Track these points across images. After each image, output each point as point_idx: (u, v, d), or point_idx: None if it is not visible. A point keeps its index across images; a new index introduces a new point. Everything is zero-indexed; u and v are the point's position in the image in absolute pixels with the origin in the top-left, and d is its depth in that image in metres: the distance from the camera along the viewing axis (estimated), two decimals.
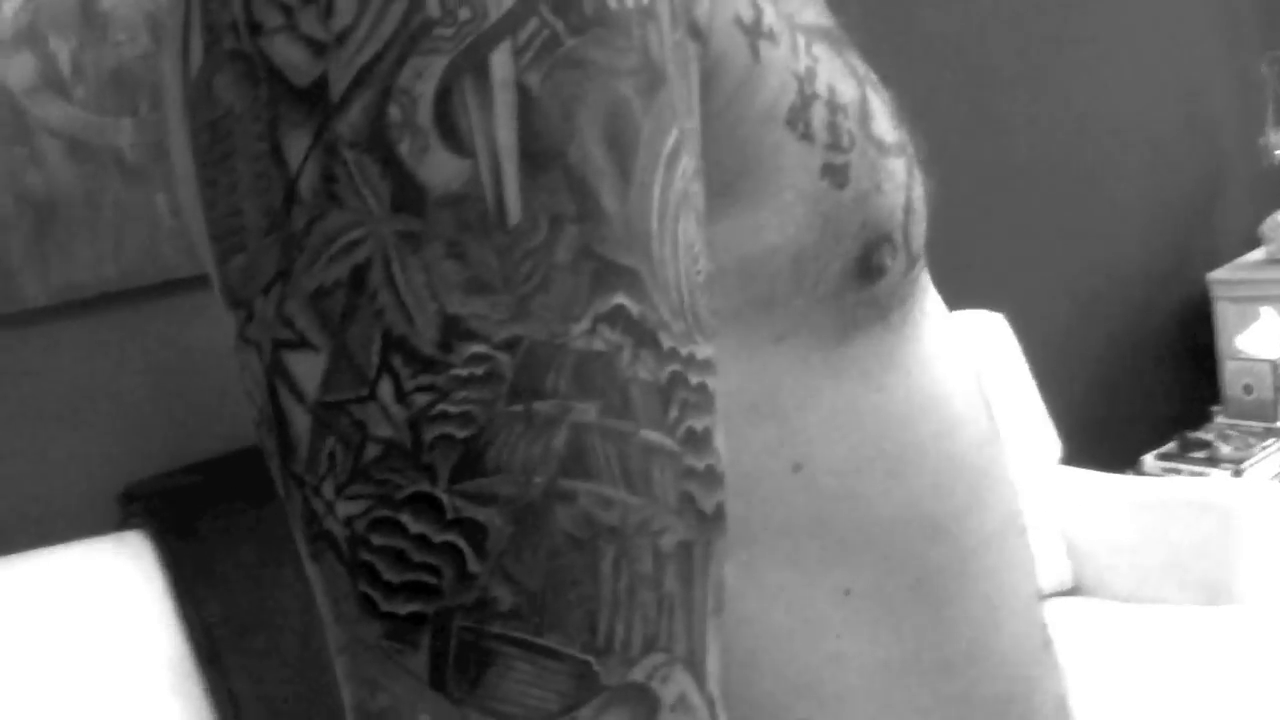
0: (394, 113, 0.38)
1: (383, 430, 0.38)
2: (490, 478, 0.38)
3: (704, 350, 0.42)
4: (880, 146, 0.53)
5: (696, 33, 0.46)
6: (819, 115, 0.51)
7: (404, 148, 0.38)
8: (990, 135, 2.84)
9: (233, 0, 0.40)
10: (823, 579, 0.53)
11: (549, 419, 0.38)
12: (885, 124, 0.54)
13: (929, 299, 0.60)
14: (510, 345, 0.38)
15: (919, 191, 0.56)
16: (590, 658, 0.38)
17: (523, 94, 0.39)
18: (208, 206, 0.42)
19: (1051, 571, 2.44)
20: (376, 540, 0.39)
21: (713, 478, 0.42)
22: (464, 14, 0.38)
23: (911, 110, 0.58)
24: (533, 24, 0.39)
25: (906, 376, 0.56)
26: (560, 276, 0.39)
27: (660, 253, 0.41)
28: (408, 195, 0.38)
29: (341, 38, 0.39)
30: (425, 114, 0.38)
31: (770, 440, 0.52)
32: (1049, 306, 2.93)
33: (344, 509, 0.39)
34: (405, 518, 0.38)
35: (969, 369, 0.61)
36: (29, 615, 1.59)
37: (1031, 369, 2.57)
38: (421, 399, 0.38)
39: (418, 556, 0.38)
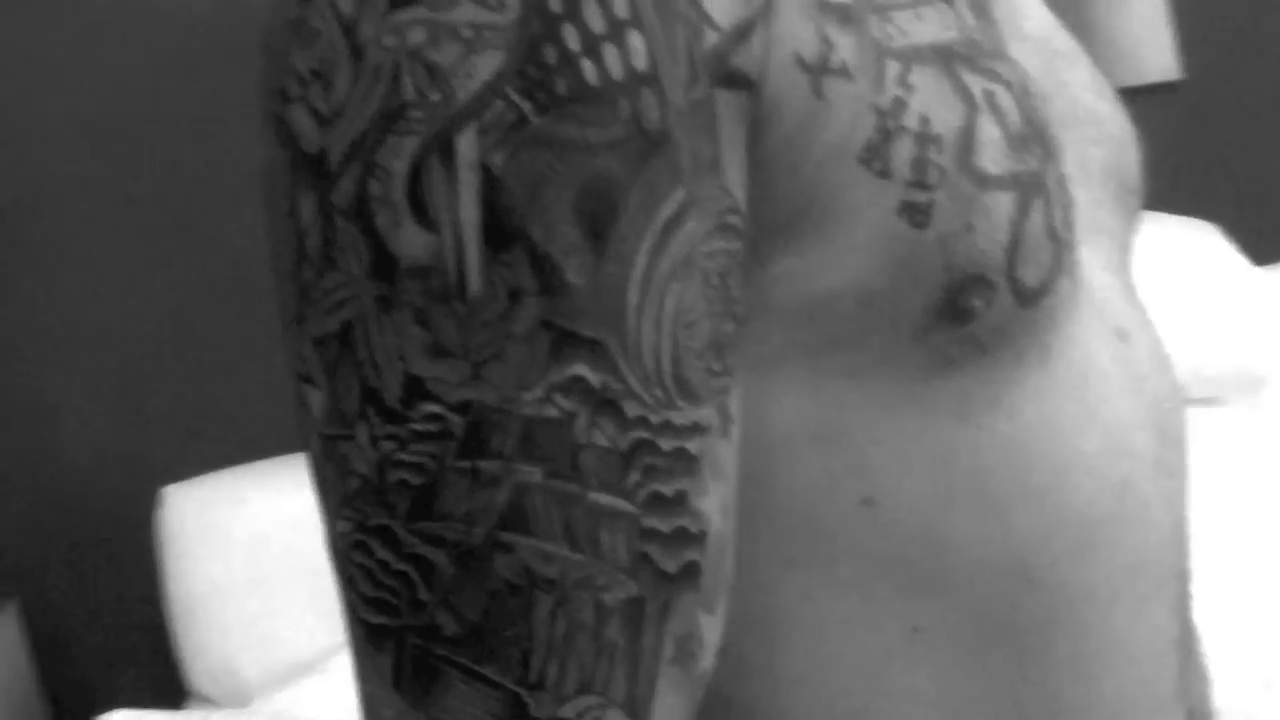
0: (374, 187, 0.42)
1: (360, 467, 0.43)
2: (438, 522, 0.42)
3: (687, 415, 0.44)
4: (980, 180, 0.50)
5: (740, 80, 0.46)
6: (901, 150, 0.49)
7: (381, 220, 0.42)
8: None
9: (271, 69, 0.45)
10: (889, 613, 0.53)
11: (492, 477, 0.42)
12: (995, 153, 0.51)
13: (1082, 324, 0.56)
14: (462, 408, 0.42)
15: (1039, 222, 0.52)
16: (522, 690, 0.42)
17: (486, 174, 0.41)
18: (268, 241, 0.47)
19: None
20: (356, 557, 0.44)
21: (683, 538, 0.44)
22: (434, 96, 0.41)
23: None
24: (498, 106, 0.41)
25: (1015, 415, 0.53)
26: (515, 347, 0.42)
27: (636, 323, 0.43)
28: (383, 264, 0.42)
29: (337, 113, 0.42)
30: (399, 190, 0.42)
31: (836, 471, 0.52)
32: None
33: (337, 526, 0.45)
34: (374, 544, 0.44)
35: (1137, 399, 0.57)
36: None
37: None
38: (386, 446, 0.43)
39: (382, 578, 0.44)
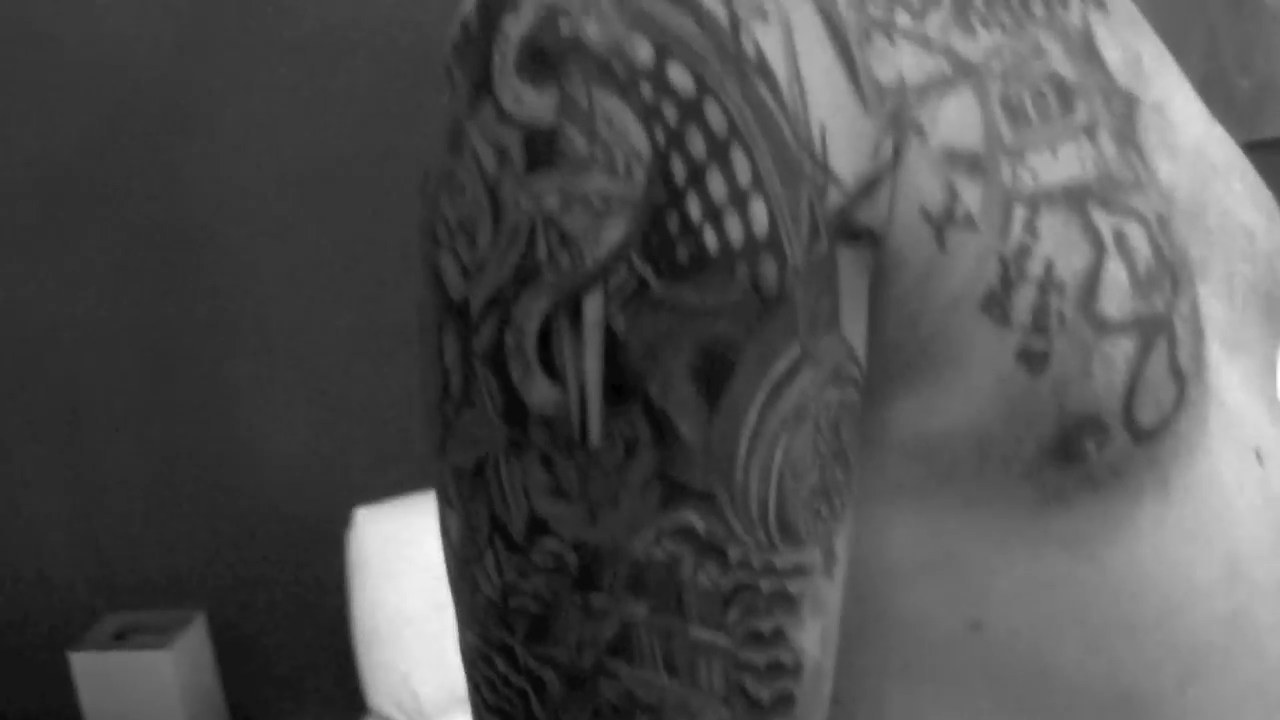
0: (509, 339, 0.46)
1: (486, 589, 0.48)
2: (552, 647, 0.47)
3: (789, 558, 0.47)
4: (1100, 326, 0.51)
5: (864, 235, 0.48)
6: (1023, 298, 0.50)
7: (514, 371, 0.46)
8: None
9: (427, 213, 0.49)
10: None
11: (602, 610, 0.46)
12: (1120, 297, 0.52)
13: (1212, 449, 0.56)
14: (578, 546, 0.46)
15: (1161, 361, 0.52)
16: None
17: (609, 334, 0.45)
18: (420, 369, 0.51)
19: None
20: (481, 667, 0.49)
21: (778, 671, 0.47)
22: (565, 260, 0.45)
23: None
24: (622, 272, 0.45)
25: (1128, 548, 0.54)
26: (629, 494, 0.45)
27: (744, 473, 0.46)
28: (514, 410, 0.46)
29: (479, 267, 0.46)
30: (530, 345, 0.45)
31: (946, 595, 0.54)
32: None
33: (467, 636, 0.49)
34: (497, 658, 0.48)
35: (1267, 523, 0.57)
36: None
37: None
38: (510, 574, 0.47)
39: (502, 689, 0.48)
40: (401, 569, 2.25)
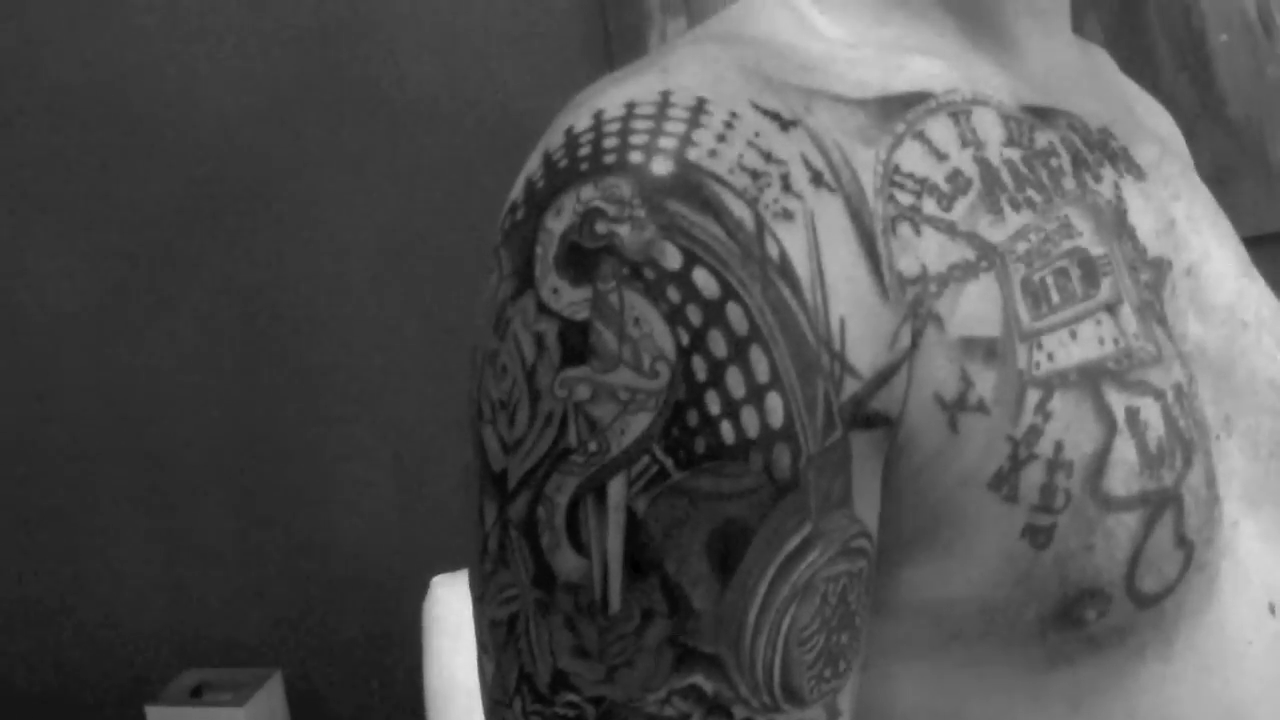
0: (541, 513, 0.50)
1: None
2: None
3: (793, 717, 0.50)
4: (1106, 503, 0.54)
5: (879, 420, 0.52)
6: (1031, 477, 0.53)
7: (544, 540, 0.50)
8: None
9: (473, 387, 0.53)
10: None
11: None
12: (1127, 475, 0.54)
13: (1223, 603, 0.58)
14: (596, 701, 0.50)
15: (1166, 533, 0.55)
16: None
17: (631, 516, 0.49)
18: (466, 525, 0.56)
19: None
20: None
21: None
22: (593, 446, 0.49)
23: None
24: (644, 460, 0.49)
25: (1129, 703, 0.56)
26: (644, 657, 0.49)
27: (752, 641, 0.49)
28: (543, 576, 0.50)
29: (517, 443, 0.51)
30: (559, 519, 0.50)
31: None
32: None
33: None
34: None
35: (1276, 673, 0.59)
36: None
37: None
38: None
39: None
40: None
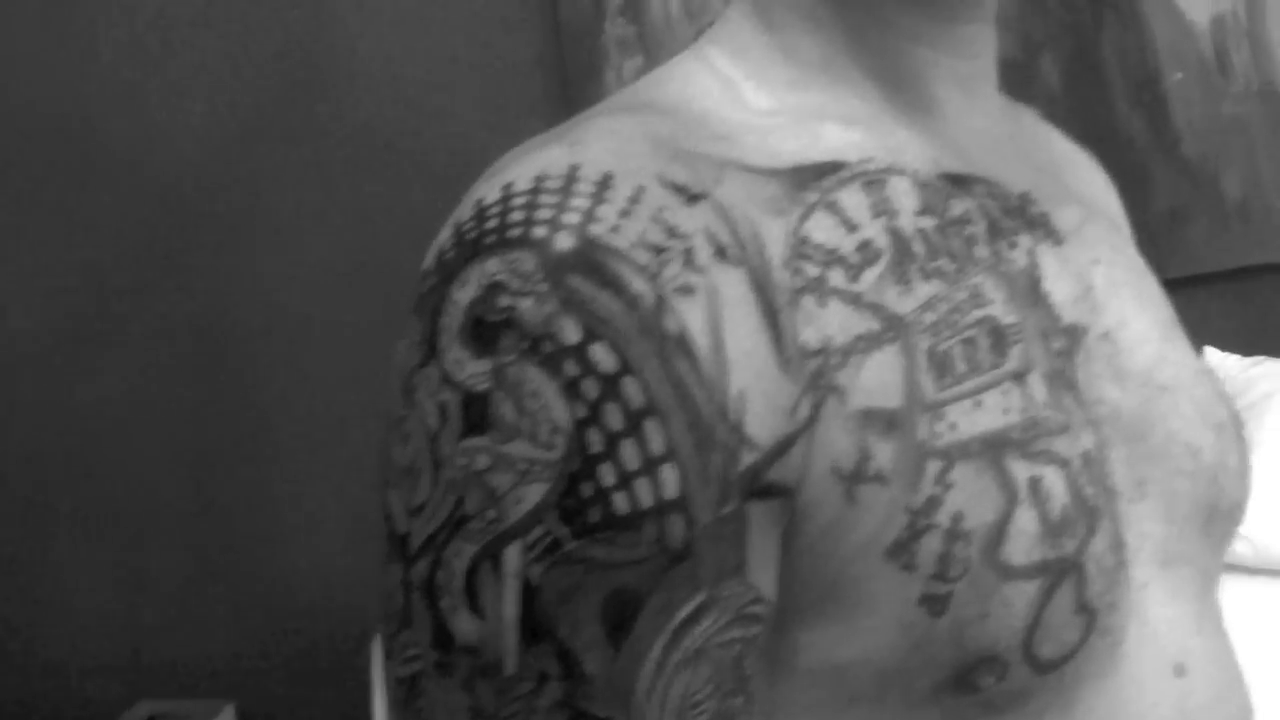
0: (441, 576, 0.51)
1: None
2: None
3: None
4: (1004, 572, 0.54)
5: (777, 490, 0.52)
6: (928, 546, 0.53)
7: (444, 603, 0.51)
8: None
9: (382, 454, 0.54)
10: None
11: None
12: (1027, 544, 0.55)
13: (1128, 664, 0.59)
14: None
15: (1066, 601, 0.55)
16: None
17: (526, 583, 0.50)
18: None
19: None
20: None
21: None
22: (491, 514, 0.50)
23: None
24: (539, 530, 0.49)
25: None
26: (538, 717, 0.50)
27: (644, 703, 0.50)
28: (442, 637, 0.51)
29: (419, 509, 0.52)
30: (458, 584, 0.50)
31: None
32: None
33: None
34: None
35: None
36: None
37: None
38: None
39: None
40: None
